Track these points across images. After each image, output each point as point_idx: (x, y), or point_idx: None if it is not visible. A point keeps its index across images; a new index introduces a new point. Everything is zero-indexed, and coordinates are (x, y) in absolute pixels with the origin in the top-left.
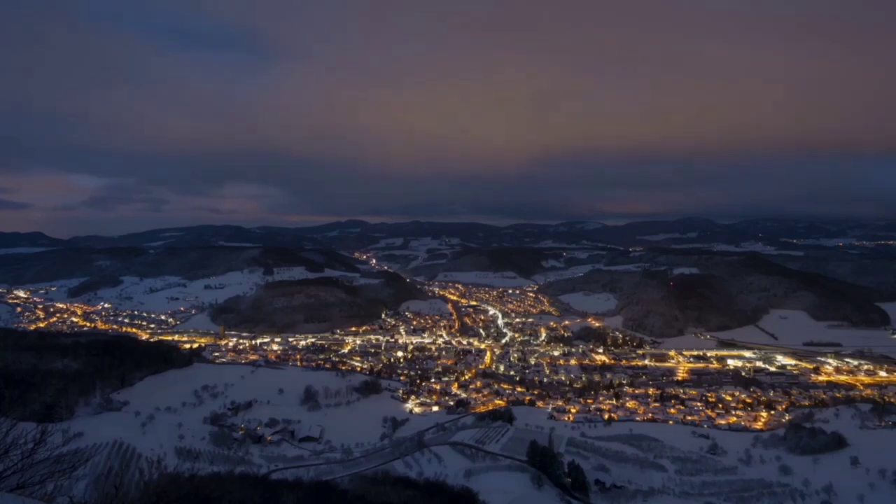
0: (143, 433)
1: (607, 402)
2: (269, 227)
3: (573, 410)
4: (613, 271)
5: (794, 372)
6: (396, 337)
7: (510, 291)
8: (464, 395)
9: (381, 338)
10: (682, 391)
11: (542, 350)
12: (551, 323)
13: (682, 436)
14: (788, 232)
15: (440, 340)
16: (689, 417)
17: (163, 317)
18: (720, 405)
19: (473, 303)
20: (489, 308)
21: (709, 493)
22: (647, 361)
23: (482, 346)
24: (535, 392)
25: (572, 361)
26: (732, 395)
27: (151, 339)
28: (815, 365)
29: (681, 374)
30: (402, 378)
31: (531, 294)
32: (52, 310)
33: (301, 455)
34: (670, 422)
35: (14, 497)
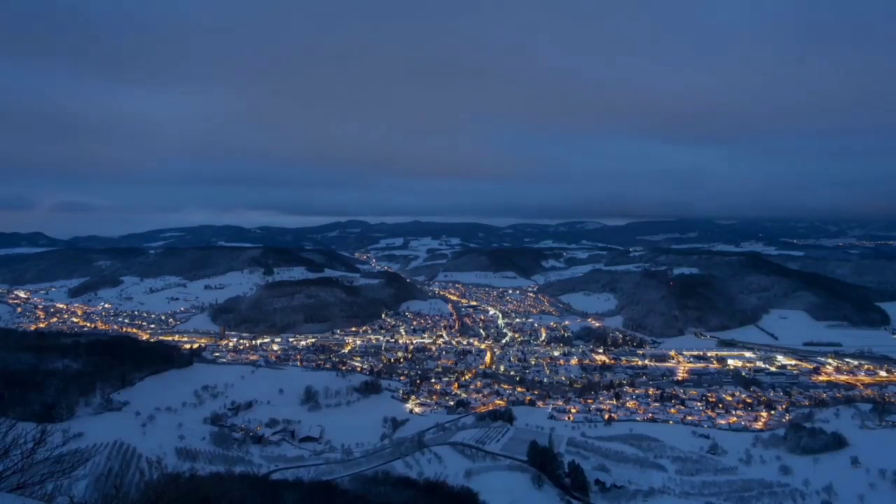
0: (144, 433)
1: (607, 402)
2: (269, 227)
3: (573, 410)
4: (613, 271)
5: (794, 372)
6: (396, 337)
7: (510, 291)
8: (464, 396)
9: (381, 338)
10: (682, 391)
11: (542, 350)
12: (551, 323)
13: (682, 436)
14: (788, 232)
15: (440, 341)
16: (689, 417)
17: (163, 317)
18: (720, 405)
19: (473, 303)
20: (489, 308)
21: (709, 493)
22: (647, 361)
23: (482, 347)
24: (536, 392)
25: (572, 361)
26: (732, 395)
27: (151, 340)
28: (815, 365)
29: (681, 374)
30: (402, 378)
31: (531, 294)
32: (52, 310)
33: (301, 455)
34: (670, 422)
35: (14, 497)
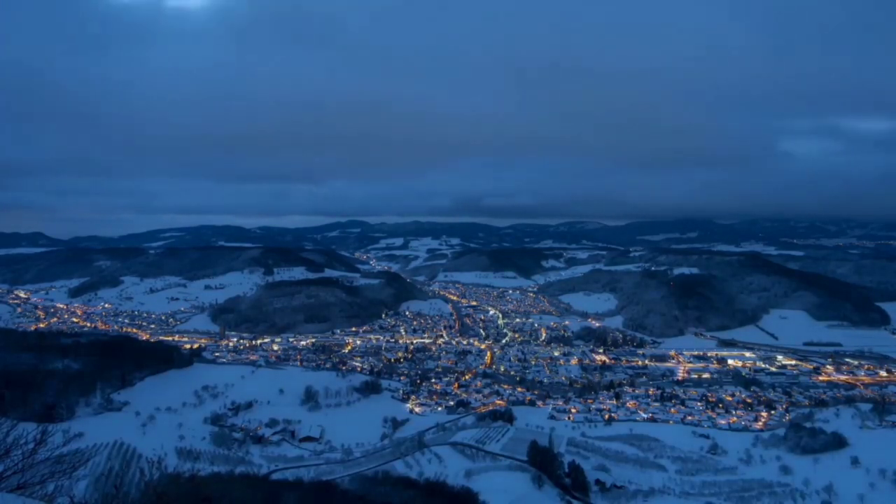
0: (144, 433)
1: (607, 402)
2: (269, 227)
3: (573, 410)
4: (613, 271)
5: (794, 372)
6: (397, 337)
7: (510, 291)
8: (464, 396)
9: (381, 338)
10: (682, 391)
11: (542, 350)
12: (551, 323)
13: (683, 436)
14: (788, 232)
15: (440, 341)
16: (689, 417)
17: (163, 317)
18: (720, 405)
19: (473, 303)
20: (489, 308)
21: (709, 493)
22: (647, 361)
23: (482, 347)
24: (536, 392)
25: (572, 361)
26: (733, 395)
27: (152, 340)
28: (815, 365)
29: (681, 374)
30: (402, 378)
31: (531, 294)
32: (52, 310)
33: (301, 455)
34: (670, 422)
35: (15, 497)
